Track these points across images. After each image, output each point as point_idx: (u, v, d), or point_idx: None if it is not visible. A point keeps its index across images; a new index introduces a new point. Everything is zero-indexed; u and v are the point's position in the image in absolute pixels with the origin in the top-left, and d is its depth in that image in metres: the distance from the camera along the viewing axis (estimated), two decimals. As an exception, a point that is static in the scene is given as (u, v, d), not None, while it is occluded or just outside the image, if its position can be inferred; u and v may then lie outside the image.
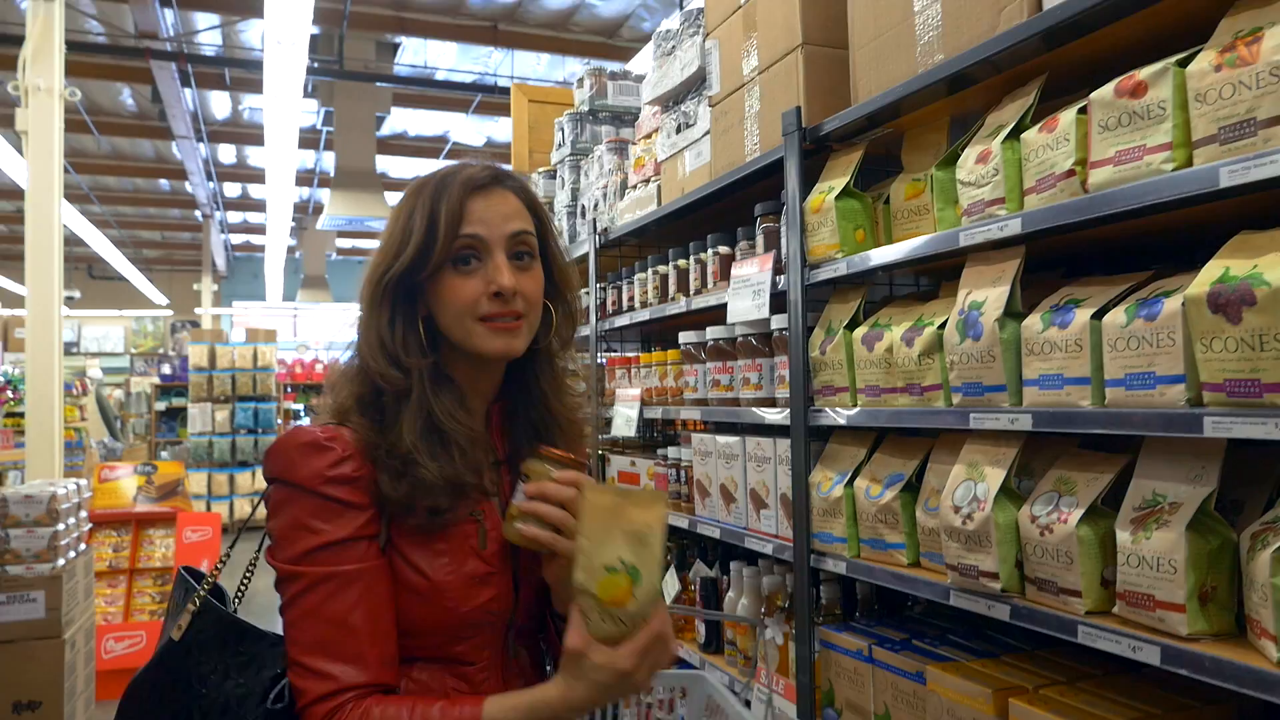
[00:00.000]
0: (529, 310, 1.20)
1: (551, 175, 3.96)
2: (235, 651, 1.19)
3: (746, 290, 2.28)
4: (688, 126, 2.71)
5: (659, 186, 2.92)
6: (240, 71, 9.32)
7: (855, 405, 1.98)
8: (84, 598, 3.86)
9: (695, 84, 2.70)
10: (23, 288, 5.32)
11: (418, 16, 8.48)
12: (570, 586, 1.15)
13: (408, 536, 1.15)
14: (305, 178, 13.85)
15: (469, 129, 11.98)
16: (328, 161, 12.56)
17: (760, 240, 2.33)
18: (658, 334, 3.73)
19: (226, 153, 13.16)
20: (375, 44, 9.25)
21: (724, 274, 2.53)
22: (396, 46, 9.39)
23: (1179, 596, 1.29)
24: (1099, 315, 1.43)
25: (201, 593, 1.23)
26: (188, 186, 13.83)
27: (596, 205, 3.45)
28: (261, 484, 1.21)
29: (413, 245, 1.15)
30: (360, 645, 1.10)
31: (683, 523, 2.68)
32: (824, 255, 2.03)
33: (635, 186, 3.14)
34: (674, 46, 2.77)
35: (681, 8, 2.83)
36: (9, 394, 11.72)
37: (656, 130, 3.01)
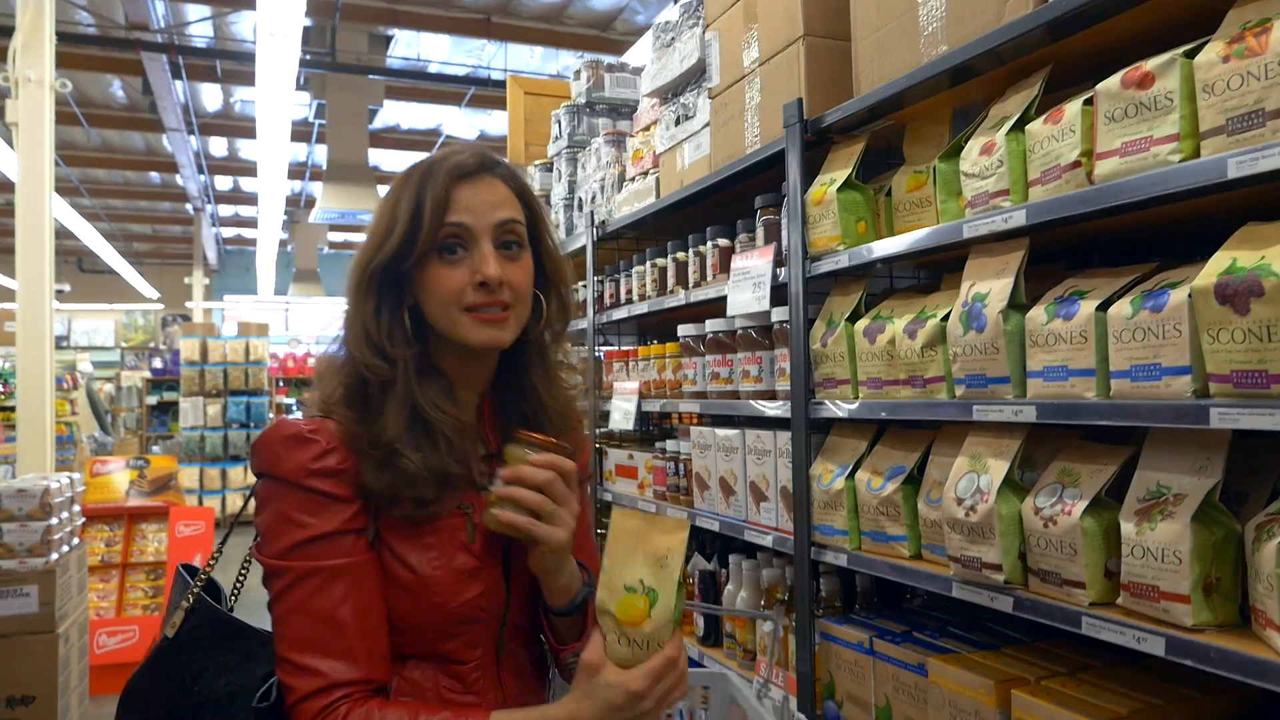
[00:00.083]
0: (517, 301, 1.17)
1: (548, 168, 3.94)
2: (228, 649, 1.18)
3: (747, 283, 2.27)
4: (687, 118, 2.70)
5: (657, 179, 2.91)
6: (232, 64, 9.26)
7: (857, 398, 1.98)
8: (77, 592, 3.84)
9: (695, 76, 2.69)
10: (13, 281, 5.28)
11: (410, 9, 8.43)
12: (553, 575, 1.16)
13: (395, 530, 1.13)
14: (297, 171, 13.79)
15: (462, 122, 11.94)
16: (320, 154, 12.50)
17: (760, 232, 2.33)
18: (654, 327, 3.73)
19: (218, 145, 13.09)
20: (368, 36, 9.20)
21: (723, 267, 2.52)
22: (389, 39, 9.35)
23: (1184, 587, 1.30)
24: (1104, 307, 1.43)
25: (195, 590, 1.22)
26: (178, 179, 13.74)
27: (594, 198, 3.44)
28: (254, 479, 1.19)
29: (397, 234, 1.13)
30: (349, 640, 1.08)
31: (681, 515, 2.68)
32: (825, 247, 2.03)
33: (633, 179, 3.13)
34: (673, 38, 2.76)
35: (676, 0, 2.82)
36: (-1, 388, 11.64)
37: (655, 122, 3.00)
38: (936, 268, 2.22)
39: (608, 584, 1.05)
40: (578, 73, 3.80)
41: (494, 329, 1.15)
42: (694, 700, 1.50)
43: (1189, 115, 1.29)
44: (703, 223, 2.67)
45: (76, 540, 3.89)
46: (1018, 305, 1.58)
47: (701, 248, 2.65)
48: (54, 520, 3.57)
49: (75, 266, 19.93)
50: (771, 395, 2.28)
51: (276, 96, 7.30)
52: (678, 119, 2.76)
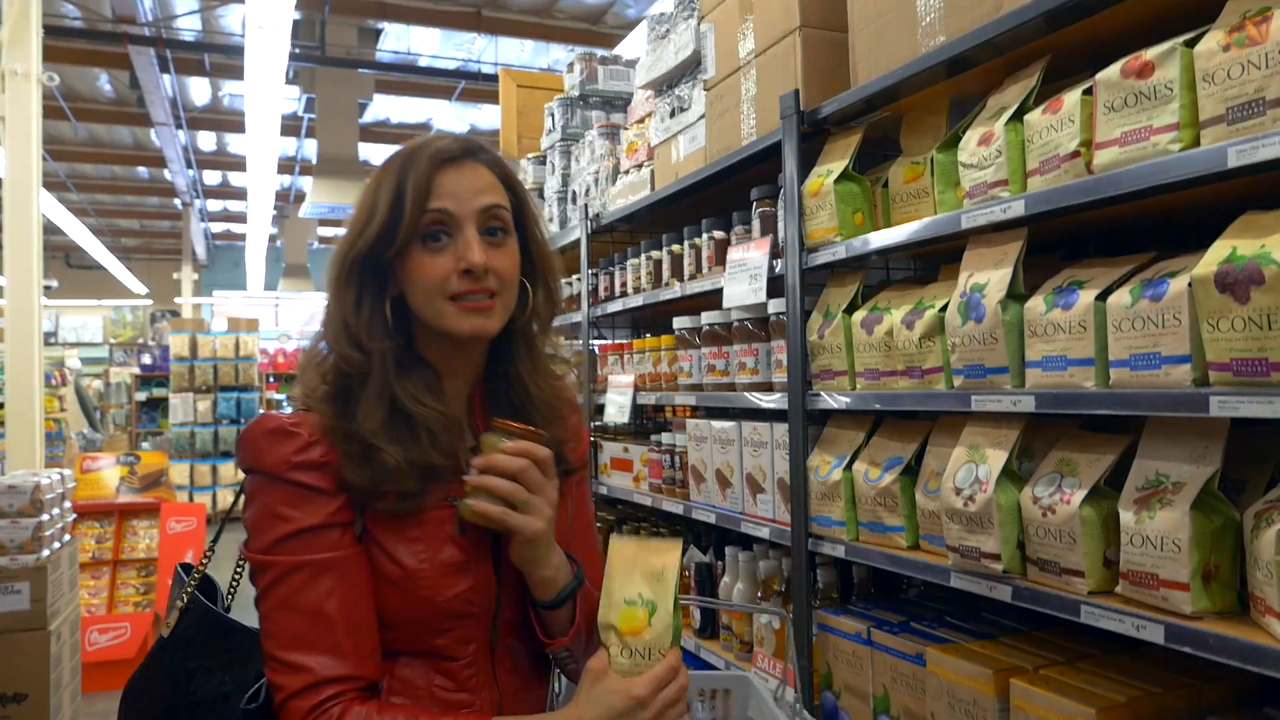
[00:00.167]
0: (503, 289, 1.14)
1: (541, 161, 3.93)
2: (221, 648, 1.16)
3: (743, 275, 2.27)
4: (682, 111, 2.70)
5: (652, 171, 2.91)
6: (220, 57, 9.21)
7: (854, 389, 1.98)
8: (69, 589, 3.81)
9: (690, 68, 2.68)
10: (0, 277, 5.24)
11: (400, 2, 8.40)
12: (534, 567, 1.14)
13: (382, 524, 1.11)
14: (287, 165, 13.71)
15: (452, 116, 11.89)
16: (309, 149, 12.44)
17: (756, 224, 2.32)
18: (649, 320, 3.72)
19: (206, 140, 13.01)
20: (357, 30, 9.16)
21: (719, 259, 2.52)
22: (379, 32, 9.30)
23: (1183, 575, 1.30)
24: (1103, 296, 1.43)
25: (189, 589, 1.21)
26: (167, 174, 13.67)
27: (588, 191, 3.43)
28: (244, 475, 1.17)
29: (377, 221, 1.10)
30: (336, 636, 1.06)
31: (677, 508, 2.68)
32: (822, 239, 2.03)
33: (628, 172, 3.12)
34: (668, 30, 2.75)
35: (668, -8, 2.82)
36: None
37: (650, 115, 2.99)
38: (932, 260, 2.23)
39: (608, 601, 1.09)
40: (571, 65, 3.79)
41: (480, 317, 1.12)
42: (715, 699, 1.49)
43: (1189, 104, 1.29)
44: (698, 215, 2.67)
45: (67, 537, 3.87)
46: (1016, 295, 1.59)
47: (697, 240, 2.65)
48: (45, 517, 3.55)
49: (63, 262, 19.80)
50: (768, 387, 2.28)
51: (265, 90, 7.26)
52: (673, 111, 2.76)
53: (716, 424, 2.48)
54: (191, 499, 9.39)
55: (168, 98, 9.60)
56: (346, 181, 9.90)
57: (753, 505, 2.34)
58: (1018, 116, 1.60)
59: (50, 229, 12.25)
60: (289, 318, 17.14)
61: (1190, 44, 1.30)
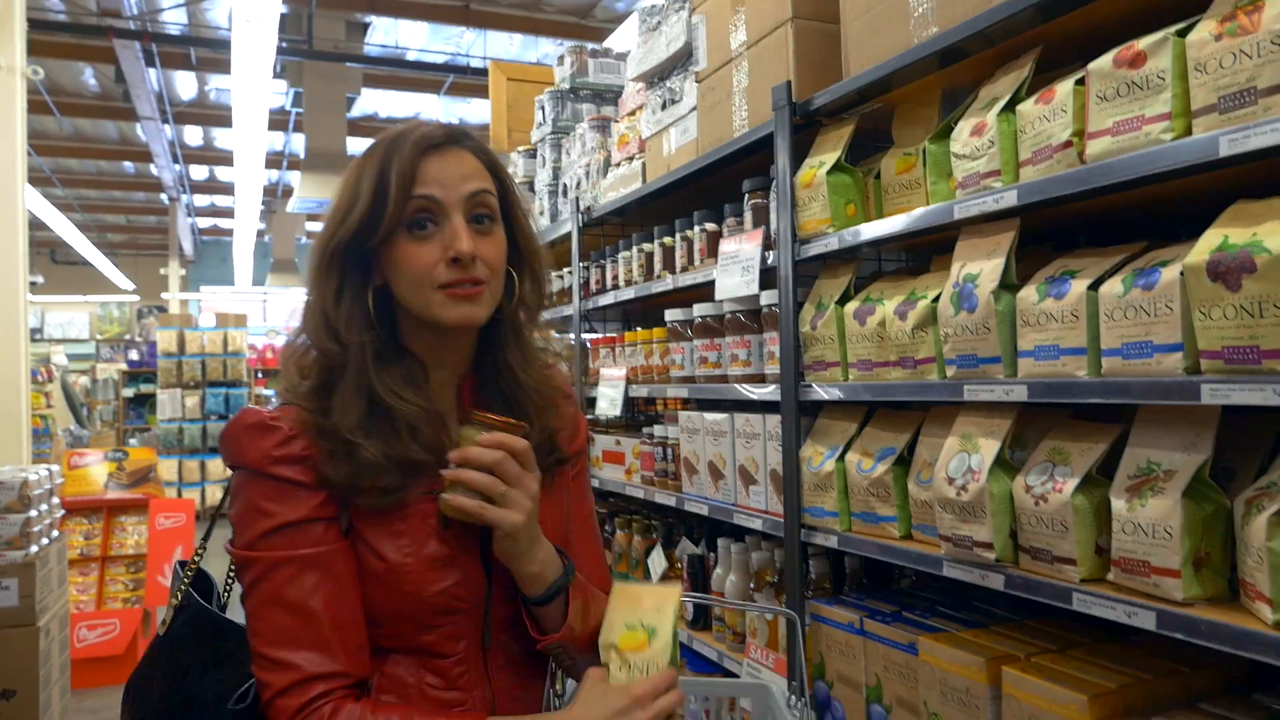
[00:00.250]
0: (491, 277, 1.12)
1: (532, 154, 3.92)
2: (213, 647, 1.15)
3: (735, 267, 2.27)
4: (673, 103, 2.70)
5: (644, 164, 2.91)
6: (206, 51, 9.15)
7: (847, 380, 1.98)
8: (58, 585, 3.80)
9: (681, 59, 2.68)
10: (-14, 271, 5.19)
11: (388, -5, 8.38)
12: (519, 562, 1.11)
13: (367, 518, 1.09)
14: (274, 160, 13.65)
15: (441, 110, 11.86)
16: (297, 143, 12.40)
17: (749, 216, 2.32)
18: (640, 314, 3.72)
19: (193, 134, 12.94)
20: (345, 23, 9.12)
21: (711, 251, 2.52)
22: (366, 26, 9.27)
23: (1174, 562, 1.31)
24: (1095, 286, 1.44)
25: (183, 586, 1.20)
26: (153, 169, 13.59)
27: (579, 184, 3.43)
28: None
29: (360, 209, 1.08)
30: (323, 632, 1.04)
31: (670, 500, 2.68)
32: (815, 230, 2.03)
33: (619, 164, 3.12)
34: (659, 22, 2.74)
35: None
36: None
37: (641, 107, 2.99)
38: (925, 251, 2.23)
39: (610, 626, 1.12)
40: (561, 58, 3.78)
41: (469, 306, 1.10)
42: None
43: (1181, 94, 1.29)
44: (689, 207, 2.67)
45: (56, 533, 3.85)
46: (1009, 285, 1.59)
47: (689, 232, 2.65)
48: (33, 513, 3.53)
49: (48, 258, 19.67)
50: (760, 379, 2.29)
51: (253, 84, 7.22)
52: (664, 103, 2.75)
53: (709, 416, 2.48)
54: (180, 495, 9.35)
55: (154, 92, 9.54)
56: (335, 176, 9.83)
57: (745, 497, 2.34)
58: (1010, 107, 1.61)
59: (35, 225, 12.16)
60: (277, 313, 17.08)
61: (1182, 33, 1.31)
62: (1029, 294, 1.54)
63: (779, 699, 1.40)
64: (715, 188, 2.66)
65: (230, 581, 1.25)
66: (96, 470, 5.95)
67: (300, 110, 10.31)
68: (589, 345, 3.35)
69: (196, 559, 1.24)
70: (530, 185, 3.88)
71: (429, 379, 1.16)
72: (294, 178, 12.92)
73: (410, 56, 9.82)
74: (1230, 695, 1.48)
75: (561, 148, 3.69)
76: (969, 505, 1.60)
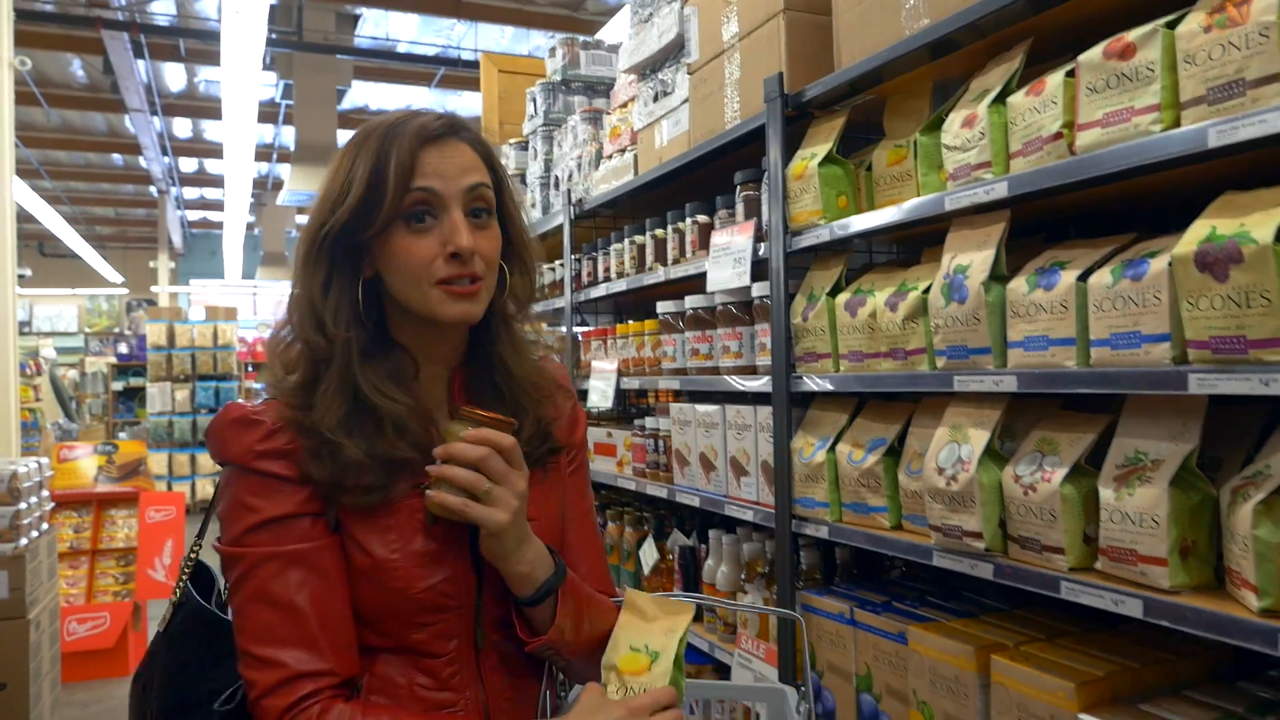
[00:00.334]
0: (487, 272, 1.10)
1: (523, 146, 3.92)
2: (210, 645, 1.13)
3: (727, 259, 2.28)
4: (665, 95, 2.70)
5: (635, 156, 2.91)
6: (196, 42, 9.11)
7: (838, 371, 1.99)
8: (48, 578, 3.78)
9: (673, 51, 2.68)
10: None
11: (378, -14, 8.34)
12: (506, 561, 1.09)
13: (354, 513, 1.07)
14: (264, 152, 13.60)
15: (432, 103, 11.81)
16: (287, 136, 12.33)
17: (740, 208, 2.33)
18: (631, 306, 3.73)
19: (182, 126, 12.88)
20: (335, 15, 9.09)
21: (703, 243, 2.53)
22: (357, 18, 9.24)
23: (1161, 551, 1.32)
24: (1084, 277, 1.45)
25: (181, 583, 1.19)
26: (142, 161, 13.52)
27: (570, 176, 3.43)
28: (222, 466, 1.15)
29: (353, 198, 1.05)
30: (310, 629, 1.03)
31: (661, 492, 2.69)
32: (806, 222, 2.03)
33: (611, 156, 3.11)
34: (651, 13, 2.74)
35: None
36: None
37: (633, 99, 2.98)
38: (915, 243, 2.24)
39: (613, 646, 1.10)
40: (553, 50, 3.77)
41: (467, 303, 1.09)
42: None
43: (1170, 86, 1.30)
44: (681, 199, 2.67)
45: (45, 525, 3.83)
46: (999, 276, 1.60)
47: (681, 224, 2.65)
48: (23, 505, 3.51)
49: (36, 250, 19.56)
50: (752, 370, 2.29)
51: (242, 76, 7.19)
52: (656, 95, 2.75)
53: (700, 408, 2.48)
54: (170, 489, 9.33)
55: (142, 83, 9.49)
56: (325, 169, 9.80)
57: (736, 488, 2.35)
58: (1001, 99, 1.61)
59: (23, 217, 12.09)
60: (267, 306, 17.00)
61: (1172, 25, 1.31)
62: (1019, 285, 1.55)
63: (792, 702, 1.39)
64: (707, 180, 2.66)
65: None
66: (86, 464, 5.92)
67: (290, 102, 10.27)
68: (580, 338, 3.35)
69: (193, 554, 1.23)
70: (522, 177, 3.87)
71: (418, 373, 1.15)
72: (284, 170, 12.87)
73: (401, 49, 9.79)
74: (1216, 683, 1.49)
75: (553, 140, 3.69)
76: (959, 495, 1.61)
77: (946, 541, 1.67)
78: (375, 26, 9.48)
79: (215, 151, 13.22)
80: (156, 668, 1.16)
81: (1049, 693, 1.46)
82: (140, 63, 9.18)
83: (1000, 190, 1.55)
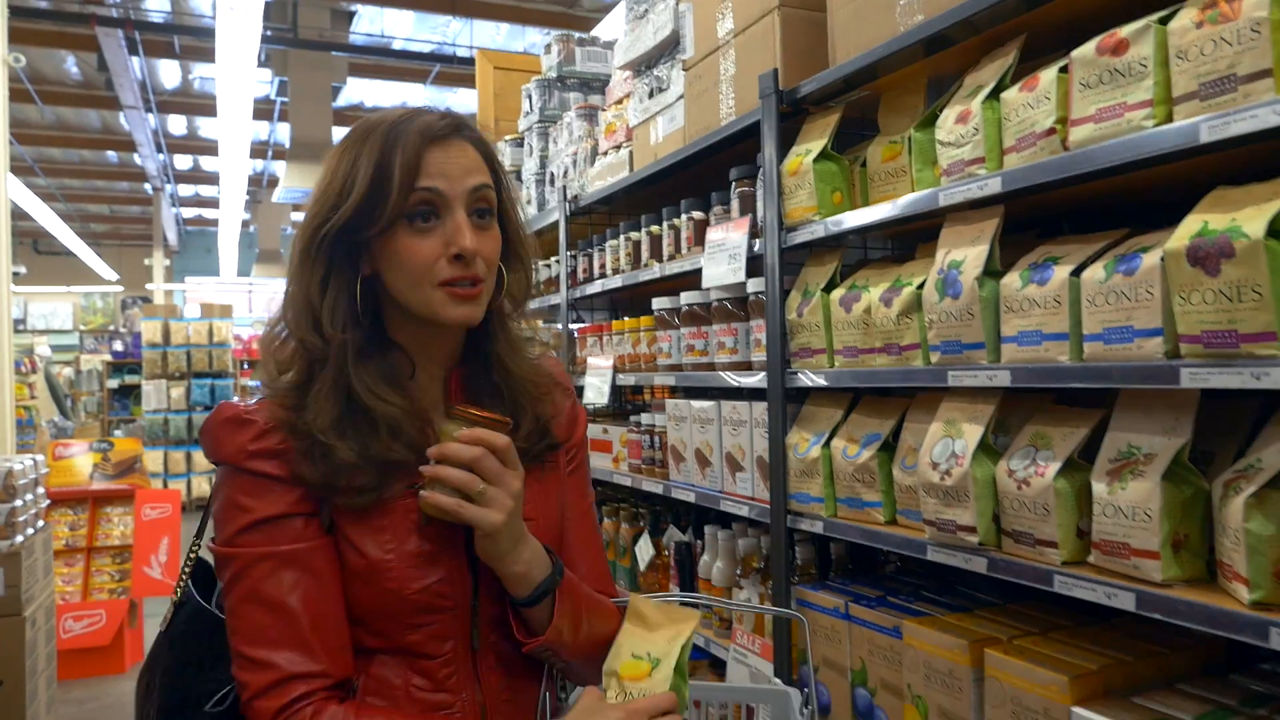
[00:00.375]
0: (487, 274, 1.10)
1: (519, 143, 3.92)
2: (209, 645, 1.12)
3: (722, 255, 2.28)
4: (660, 91, 2.70)
5: (631, 152, 2.91)
6: (190, 39, 9.09)
7: (833, 366, 2.00)
8: (43, 575, 3.78)
9: (668, 48, 2.68)
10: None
11: (374, -17, 8.32)
12: (501, 562, 1.08)
13: (348, 513, 1.07)
14: (259, 149, 13.56)
15: (427, 100, 11.70)
16: (282, 133, 12.32)
17: (735, 204, 2.33)
18: (627, 302, 3.73)
19: (177, 124, 12.84)
20: (330, 12, 9.06)
21: (698, 239, 2.53)
22: (352, 15, 9.21)
23: (1154, 544, 1.33)
24: (1078, 272, 1.45)
25: (182, 582, 1.19)
26: (136, 158, 13.49)
27: (566, 172, 3.43)
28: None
29: (356, 196, 1.05)
30: (302, 631, 1.02)
31: (657, 488, 2.70)
32: (801, 218, 2.04)
33: (606, 153, 3.12)
34: (646, 10, 2.74)
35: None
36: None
37: (628, 96, 2.99)
38: (910, 239, 2.25)
39: (616, 653, 1.10)
40: (548, 47, 3.77)
41: (469, 306, 1.09)
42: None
43: (1162, 81, 1.31)
44: (677, 196, 2.67)
45: (41, 523, 3.83)
46: (993, 272, 1.61)
47: (676, 221, 2.66)
48: (18, 502, 3.51)
49: (31, 248, 19.50)
50: (747, 366, 2.30)
51: (237, 73, 7.17)
52: (651, 92, 2.76)
53: (696, 404, 2.49)
54: (166, 486, 9.31)
55: (137, 80, 9.47)
56: (320, 166, 9.78)
57: (732, 484, 2.36)
58: (995, 94, 1.62)
59: (18, 214, 12.05)
60: (263, 303, 16.99)
61: (1164, 21, 1.32)
62: (1012, 280, 1.56)
63: (795, 704, 1.38)
64: (702, 176, 2.66)
65: None
66: (81, 461, 5.91)
67: (285, 99, 10.24)
68: (576, 334, 3.35)
69: (193, 553, 1.23)
70: (517, 174, 3.87)
71: (415, 372, 1.14)
72: (279, 167, 12.85)
73: (396, 45, 9.78)
74: (1208, 676, 1.50)
75: (549, 136, 3.69)
76: (953, 490, 1.62)
77: (941, 536, 1.67)
78: (370, 23, 9.46)
79: (210, 148, 13.19)
80: (158, 667, 1.16)
81: (1042, 686, 1.46)
82: (135, 59, 9.16)
83: (994, 186, 1.55)
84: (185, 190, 17.16)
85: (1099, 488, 1.42)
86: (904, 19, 1.80)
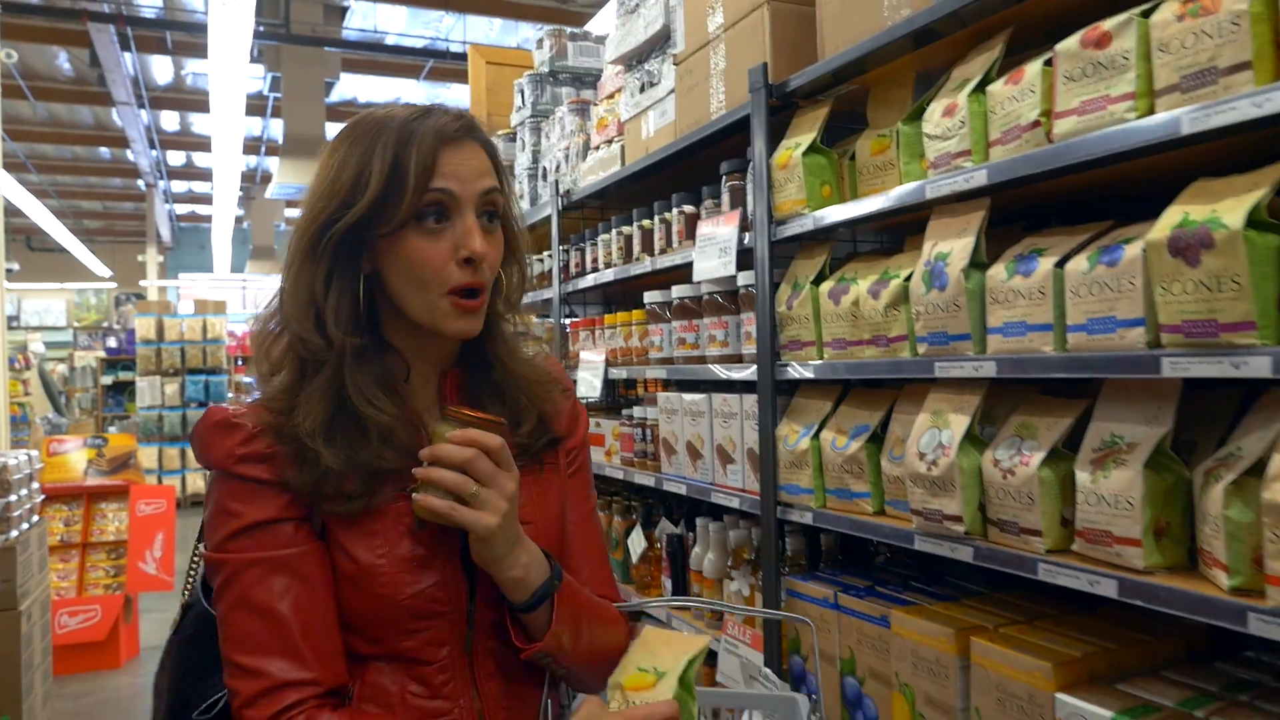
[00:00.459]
0: (491, 279, 1.10)
1: (511, 138, 3.92)
2: (210, 649, 1.10)
3: (713, 248, 2.29)
4: (652, 85, 2.71)
5: (622, 147, 2.92)
6: (183, 35, 9.06)
7: (822, 358, 2.01)
8: (38, 570, 3.79)
9: (659, 42, 2.69)
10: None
11: (367, -22, 8.31)
12: (497, 566, 1.06)
13: (339, 518, 1.05)
14: (252, 145, 13.53)
15: (420, 95, 11.78)
16: (275, 129, 12.30)
17: (726, 198, 2.34)
18: (619, 296, 3.74)
19: (169, 119, 12.81)
20: (323, 7, 9.05)
21: (689, 233, 2.54)
22: (345, 10, 9.20)
23: (1136, 532, 1.35)
24: (1062, 263, 1.47)
25: (189, 584, 1.19)
26: (129, 155, 13.44)
27: (558, 167, 3.44)
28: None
29: (371, 194, 1.03)
30: (293, 638, 1.00)
31: (649, 481, 2.71)
32: (791, 211, 2.05)
33: (598, 147, 3.13)
34: (637, 4, 2.75)
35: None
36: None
37: (619, 90, 2.99)
38: (898, 232, 2.26)
39: (623, 667, 1.07)
40: (540, 42, 3.78)
41: (471, 319, 1.08)
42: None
43: (1145, 74, 1.32)
44: (668, 190, 2.68)
45: (36, 518, 3.83)
46: (979, 264, 1.62)
47: (667, 214, 2.67)
48: (13, 497, 3.52)
49: (24, 245, 19.44)
50: (738, 359, 2.31)
51: (230, 69, 7.16)
52: (642, 86, 2.76)
53: (687, 396, 2.50)
54: (160, 482, 9.31)
55: (129, 76, 9.44)
56: (314, 161, 9.66)
57: (723, 476, 2.37)
58: (981, 88, 1.63)
59: (10, 211, 12.02)
60: (257, 300, 16.97)
61: (1146, 14, 1.33)
62: (998, 272, 1.57)
63: (803, 709, 1.38)
64: (693, 170, 2.67)
65: None
66: (76, 457, 5.92)
67: (278, 95, 10.21)
68: (569, 328, 3.36)
69: (196, 555, 1.22)
70: (510, 169, 3.88)
71: (409, 375, 1.13)
72: (273, 163, 12.83)
73: (389, 41, 9.76)
74: (1193, 663, 1.52)
75: (541, 131, 3.70)
76: (939, 480, 1.64)
77: (927, 525, 1.69)
78: (363, 18, 9.44)
79: (203, 144, 13.15)
80: (166, 670, 1.16)
81: (1027, 673, 1.48)
82: (127, 55, 9.13)
83: (980, 178, 1.56)
84: (178, 186, 17.11)
85: (1082, 477, 1.43)
86: (891, 13, 1.81)
